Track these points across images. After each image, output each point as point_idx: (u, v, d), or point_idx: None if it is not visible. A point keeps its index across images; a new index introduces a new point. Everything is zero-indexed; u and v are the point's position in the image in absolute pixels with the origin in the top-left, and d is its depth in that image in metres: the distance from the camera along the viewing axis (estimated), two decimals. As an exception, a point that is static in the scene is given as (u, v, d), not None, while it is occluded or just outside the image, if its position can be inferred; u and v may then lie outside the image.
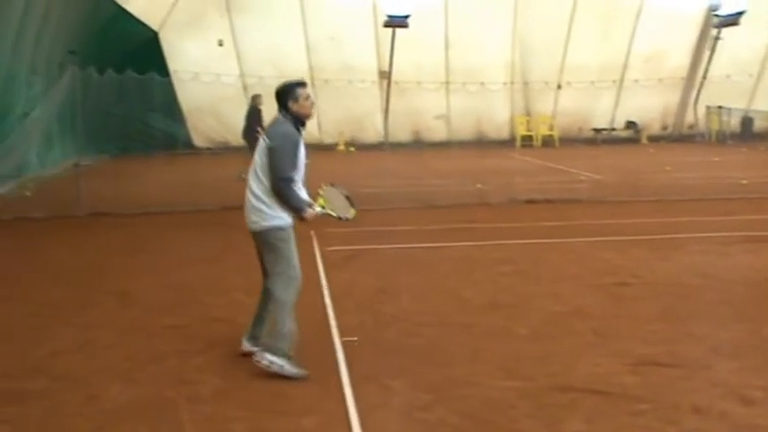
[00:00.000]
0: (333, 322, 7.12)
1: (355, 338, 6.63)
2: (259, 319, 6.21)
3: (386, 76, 28.14)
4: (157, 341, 6.71)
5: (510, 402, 5.27)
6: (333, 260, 9.78)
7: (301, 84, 6.02)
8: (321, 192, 6.27)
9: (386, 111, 28.74)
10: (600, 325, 6.99)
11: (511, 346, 6.43)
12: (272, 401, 5.34)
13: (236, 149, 24.17)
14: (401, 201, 14.64)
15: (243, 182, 6.37)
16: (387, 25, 26.74)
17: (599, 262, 9.63)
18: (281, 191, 5.84)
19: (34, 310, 7.79)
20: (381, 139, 28.99)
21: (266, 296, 6.13)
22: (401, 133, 29.30)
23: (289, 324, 5.83)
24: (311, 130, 28.22)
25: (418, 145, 28.91)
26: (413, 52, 27.16)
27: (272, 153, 5.83)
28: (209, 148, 26.69)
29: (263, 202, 5.91)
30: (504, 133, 30.22)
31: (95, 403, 5.38)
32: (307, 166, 6.16)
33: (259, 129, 9.66)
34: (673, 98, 30.67)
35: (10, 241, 11.67)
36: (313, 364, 6.03)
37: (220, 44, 27.18)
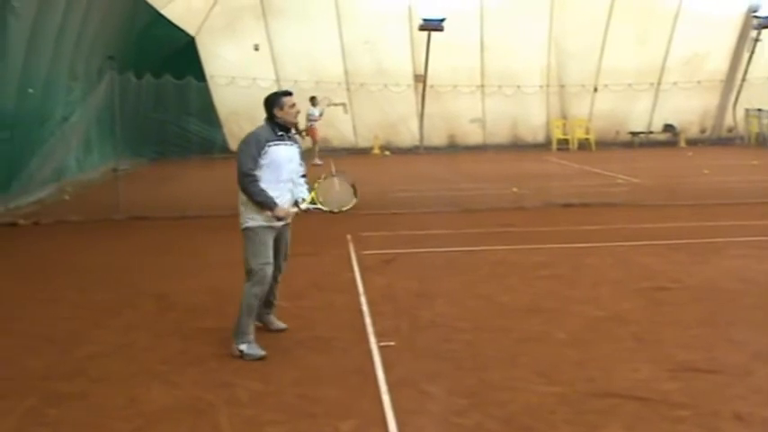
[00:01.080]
0: (369, 327, 7.12)
1: (392, 342, 6.62)
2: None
3: (421, 79, 28.09)
4: (195, 344, 6.75)
5: (549, 408, 5.22)
6: (369, 264, 9.77)
7: (287, 93, 6.70)
8: (316, 185, 6.60)
9: (421, 114, 28.70)
10: (639, 330, 6.92)
11: (549, 351, 6.39)
12: (309, 405, 5.35)
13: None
14: (437, 204, 14.61)
15: None
16: (422, 29, 26.71)
17: (637, 266, 9.52)
18: (243, 186, 6.42)
19: (73, 312, 7.88)
20: (416, 143, 28.95)
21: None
22: (436, 137, 29.24)
23: (249, 316, 6.47)
24: (346, 134, 28.56)
25: (453, 149, 28.86)
26: (448, 56, 27.08)
27: (239, 152, 6.54)
28: (245, 153, 26.79)
29: (242, 205, 6.56)
30: (539, 137, 30.04)
31: (134, 405, 5.42)
32: (303, 177, 6.81)
33: None
34: (711, 101, 30.30)
35: (50, 244, 11.81)
36: (350, 368, 6.06)
37: (256, 49, 27.31)
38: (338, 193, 6.90)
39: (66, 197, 16.63)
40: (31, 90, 15.47)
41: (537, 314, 7.51)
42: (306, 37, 26.73)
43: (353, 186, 6.90)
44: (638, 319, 7.27)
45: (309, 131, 24.77)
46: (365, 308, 7.75)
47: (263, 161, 6.40)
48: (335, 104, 27.87)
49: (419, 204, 14.64)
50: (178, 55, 26.17)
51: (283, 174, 6.53)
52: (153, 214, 13.89)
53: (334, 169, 6.75)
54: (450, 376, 5.85)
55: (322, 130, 28.00)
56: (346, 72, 27.76)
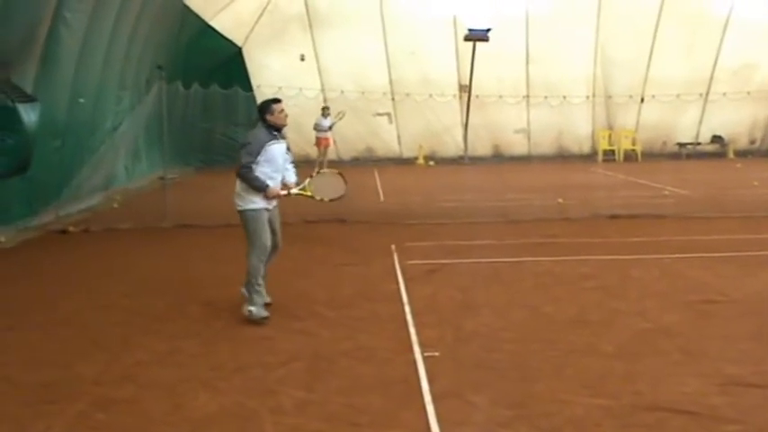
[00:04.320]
0: (414, 336, 7.13)
1: (436, 353, 6.62)
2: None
3: (466, 89, 28.05)
4: (241, 351, 6.82)
5: (595, 420, 5.19)
6: (413, 274, 9.78)
7: (277, 101, 7.99)
8: (309, 179, 8.28)
9: (465, 125, 28.65)
10: (687, 343, 6.84)
11: (595, 364, 6.34)
12: (353, 415, 5.37)
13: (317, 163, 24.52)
14: (481, 215, 14.58)
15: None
16: (467, 39, 26.68)
17: (685, 279, 9.43)
18: (242, 175, 7.70)
19: (123, 318, 8.01)
20: (461, 153, 28.90)
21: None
22: (481, 147, 29.15)
23: (256, 280, 7.75)
24: (391, 144, 28.61)
25: (498, 159, 28.77)
26: (493, 66, 27.00)
27: (241, 148, 7.86)
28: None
29: (241, 191, 7.79)
30: (585, 147, 29.80)
31: (181, 412, 5.48)
32: (292, 163, 8.29)
33: None
34: (761, 112, 29.77)
35: (99, 251, 11.99)
36: (394, 378, 6.08)
37: (302, 59, 27.49)
38: (332, 185, 8.36)
39: (116, 205, 16.89)
40: (81, 99, 15.74)
41: (583, 326, 7.47)
42: (351, 47, 26.85)
43: (341, 174, 8.31)
44: (686, 332, 7.19)
45: (318, 142, 24.88)
46: (409, 318, 7.76)
47: (261, 158, 7.69)
48: (380, 114, 27.98)
49: (463, 214, 14.62)
50: (225, 65, 26.47)
51: (278, 166, 7.89)
52: (200, 222, 14.04)
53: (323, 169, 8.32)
54: (494, 387, 5.83)
55: (366, 140, 28.22)
56: (391, 82, 27.81)
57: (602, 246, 11.64)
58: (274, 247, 8.00)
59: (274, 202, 7.95)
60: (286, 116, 7.95)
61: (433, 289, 9.04)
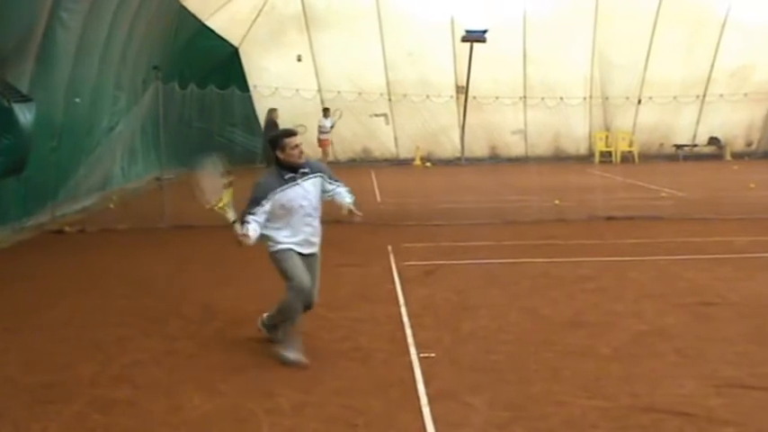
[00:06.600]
0: (410, 338, 7.12)
1: (433, 354, 6.62)
2: None
3: (463, 91, 28.07)
4: (238, 352, 6.82)
5: (591, 422, 5.18)
6: (410, 275, 9.78)
7: (290, 134, 6.60)
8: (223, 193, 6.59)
9: (463, 126, 28.67)
10: (684, 345, 6.84)
11: (592, 365, 6.34)
12: (350, 416, 5.36)
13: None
14: (478, 216, 14.58)
15: None
16: (464, 40, 26.69)
17: (682, 281, 9.43)
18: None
19: (120, 319, 7.99)
20: (458, 155, 28.92)
21: None
22: (478, 148, 29.17)
23: (283, 321, 6.62)
24: (388, 145, 28.62)
25: (495, 160, 28.80)
26: (490, 67, 27.04)
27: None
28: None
29: (266, 234, 6.51)
30: (582, 149, 29.83)
31: (179, 413, 5.47)
32: (331, 183, 6.82)
33: None
34: (758, 114, 29.84)
35: (96, 252, 11.97)
36: (391, 379, 6.07)
37: (299, 59, 27.50)
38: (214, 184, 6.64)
39: (112, 205, 16.85)
40: (77, 99, 15.72)
41: (580, 328, 7.47)
42: (348, 48, 26.87)
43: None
44: (683, 334, 7.19)
45: (321, 143, 25.06)
46: (406, 319, 7.76)
47: (265, 209, 6.39)
48: (377, 115, 28.01)
49: (460, 216, 14.62)
50: (222, 65, 26.47)
51: (295, 214, 6.51)
52: (197, 223, 13.98)
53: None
54: (491, 389, 5.83)
55: (363, 141, 28.28)
56: (388, 83, 27.83)
57: (599, 247, 11.65)
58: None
59: (312, 249, 6.74)
60: (301, 153, 6.55)
61: (430, 290, 9.04)
